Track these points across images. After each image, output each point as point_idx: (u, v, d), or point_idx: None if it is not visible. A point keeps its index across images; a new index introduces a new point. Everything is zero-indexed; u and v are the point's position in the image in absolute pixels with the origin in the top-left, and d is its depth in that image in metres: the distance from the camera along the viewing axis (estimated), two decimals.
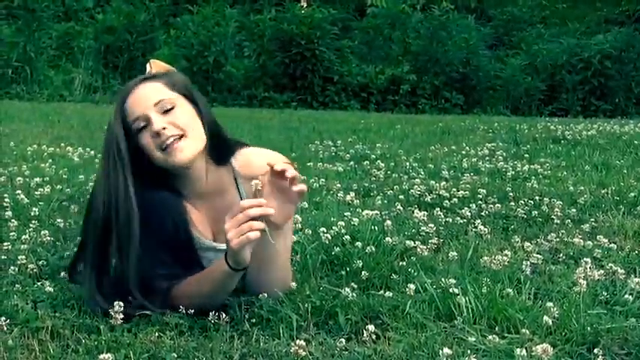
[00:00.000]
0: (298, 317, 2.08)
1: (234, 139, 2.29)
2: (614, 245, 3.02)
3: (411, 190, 4.14)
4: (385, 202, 3.89)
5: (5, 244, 2.72)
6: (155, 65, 3.39)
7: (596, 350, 1.86)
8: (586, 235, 3.24)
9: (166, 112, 2.08)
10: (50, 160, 5.08)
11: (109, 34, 14.21)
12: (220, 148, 2.19)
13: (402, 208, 3.64)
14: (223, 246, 2.06)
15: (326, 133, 7.77)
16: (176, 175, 2.16)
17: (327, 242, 2.79)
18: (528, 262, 2.68)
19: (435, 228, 3.21)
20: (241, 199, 2.19)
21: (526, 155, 6.13)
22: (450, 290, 2.20)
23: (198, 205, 2.20)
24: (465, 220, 3.46)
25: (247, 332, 2.03)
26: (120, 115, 2.09)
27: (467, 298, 2.14)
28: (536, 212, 3.63)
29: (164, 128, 2.04)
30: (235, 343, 1.94)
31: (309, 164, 5.25)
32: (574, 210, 3.70)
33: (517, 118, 12.35)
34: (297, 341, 1.87)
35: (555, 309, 2.08)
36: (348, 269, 2.56)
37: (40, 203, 3.49)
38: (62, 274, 2.42)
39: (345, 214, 3.30)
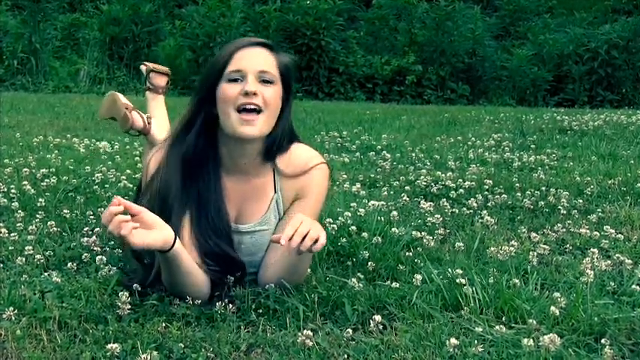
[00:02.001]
0: (305, 308, 2.09)
1: (292, 137, 2.29)
2: (621, 236, 3.02)
3: (417, 181, 4.13)
4: (391, 192, 3.89)
5: (12, 234, 2.73)
6: (149, 63, 3.45)
7: (603, 340, 1.86)
8: (593, 225, 3.23)
9: (263, 83, 2.11)
10: (56, 151, 5.08)
11: (114, 25, 14.18)
12: (275, 147, 2.21)
13: (408, 199, 3.64)
14: (244, 227, 2.20)
15: (332, 123, 7.76)
16: (229, 142, 2.16)
17: (334, 233, 2.79)
18: (535, 253, 2.68)
19: (441, 219, 3.21)
20: (275, 191, 2.24)
21: (532, 146, 6.11)
22: (457, 281, 2.20)
23: (228, 182, 2.21)
24: (471, 211, 3.46)
25: (254, 322, 2.03)
26: (226, 59, 2.12)
27: (473, 289, 2.14)
28: (542, 203, 3.63)
29: (255, 94, 2.07)
30: (242, 334, 1.95)
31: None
32: (581, 200, 3.70)
33: (523, 108, 12.31)
34: (304, 331, 1.88)
35: (562, 299, 2.08)
36: (354, 260, 2.57)
37: (47, 194, 3.50)
38: (69, 264, 2.43)
39: (352, 204, 3.31)
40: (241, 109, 2.08)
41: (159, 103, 3.35)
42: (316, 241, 1.95)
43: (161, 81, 3.36)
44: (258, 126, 2.10)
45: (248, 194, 2.22)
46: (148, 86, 3.37)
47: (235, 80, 2.10)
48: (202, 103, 2.14)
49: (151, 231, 1.93)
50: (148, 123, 3.17)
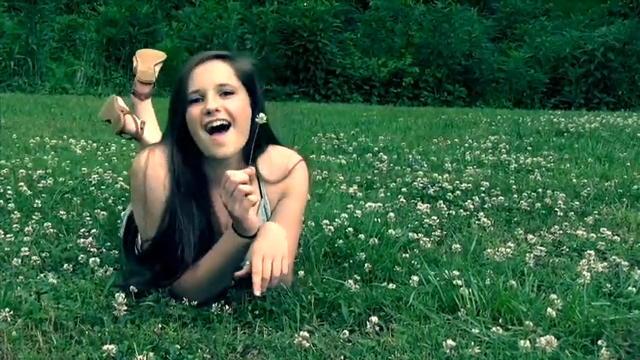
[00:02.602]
0: (302, 309, 2.09)
1: (269, 137, 2.31)
2: (617, 238, 3.02)
3: (414, 183, 4.13)
4: (388, 194, 3.89)
5: (8, 235, 2.72)
6: (142, 55, 3.40)
7: (599, 342, 1.86)
8: (589, 227, 3.23)
9: (224, 95, 2.11)
10: (53, 153, 5.08)
11: (111, 26, 14.17)
12: (252, 151, 2.20)
13: (405, 201, 3.64)
14: None
15: (329, 125, 7.76)
16: (209, 159, 2.18)
17: (330, 234, 2.79)
18: (531, 255, 2.68)
19: (438, 220, 3.21)
20: (261, 196, 2.24)
21: (529, 148, 6.12)
22: (454, 282, 2.20)
23: (217, 193, 2.21)
24: (468, 213, 3.45)
25: (251, 324, 2.03)
26: (184, 81, 2.12)
27: (470, 290, 2.14)
28: (539, 205, 3.63)
29: (217, 110, 2.08)
30: (239, 335, 1.95)
31: (312, 157, 5.24)
32: (577, 202, 3.70)
33: (520, 110, 12.33)
34: (301, 333, 1.88)
35: (559, 301, 2.08)
36: (351, 261, 2.56)
37: (43, 195, 3.49)
38: (65, 265, 2.43)
39: (348, 206, 3.30)
40: (208, 128, 2.09)
41: (145, 107, 3.34)
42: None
43: (143, 89, 3.35)
44: (231, 144, 2.11)
45: None
46: (133, 90, 3.37)
47: (197, 100, 2.10)
48: (178, 132, 2.14)
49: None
50: (141, 128, 3.17)
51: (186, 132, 2.13)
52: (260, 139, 2.19)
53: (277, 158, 2.27)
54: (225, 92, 2.11)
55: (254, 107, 2.18)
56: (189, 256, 2.11)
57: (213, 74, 2.12)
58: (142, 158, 2.19)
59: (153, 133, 3.17)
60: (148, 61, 3.35)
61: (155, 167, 2.16)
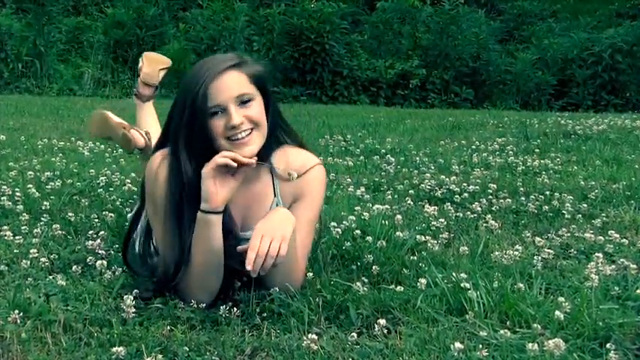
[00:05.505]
0: (309, 311, 2.09)
1: (286, 136, 2.32)
2: (625, 240, 3.01)
3: (422, 185, 4.13)
4: (395, 196, 3.89)
5: (17, 237, 2.73)
6: (149, 57, 3.40)
7: (608, 345, 1.86)
8: (597, 230, 3.23)
9: (243, 105, 2.12)
10: (61, 155, 5.09)
11: (119, 28, 14.20)
12: (269, 144, 2.23)
13: (412, 203, 3.64)
14: (248, 234, 2.12)
15: (336, 127, 7.76)
16: None
17: (338, 237, 2.80)
18: (539, 257, 2.68)
19: (445, 223, 3.21)
20: (274, 195, 2.26)
21: (536, 150, 6.10)
22: (461, 285, 2.20)
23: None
24: (475, 215, 3.45)
25: (259, 326, 2.04)
26: (203, 97, 2.08)
27: (478, 293, 2.14)
28: (546, 207, 3.62)
29: (241, 123, 2.09)
30: (247, 337, 1.95)
31: (319, 158, 5.23)
32: (585, 205, 3.69)
33: (527, 112, 12.29)
34: (309, 335, 1.88)
35: (567, 304, 2.08)
36: (358, 264, 2.57)
37: (51, 197, 3.50)
38: (74, 267, 2.43)
39: (356, 208, 3.31)
40: (233, 139, 2.10)
41: (148, 110, 3.34)
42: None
43: (145, 90, 3.35)
44: (254, 144, 2.13)
45: (250, 200, 2.25)
46: (135, 92, 3.37)
47: (217, 113, 2.09)
48: (199, 145, 2.12)
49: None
50: (149, 139, 3.14)
51: (205, 143, 2.11)
52: (275, 131, 2.23)
53: (294, 157, 2.28)
54: (243, 101, 2.11)
55: (267, 106, 2.19)
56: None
57: (230, 87, 2.10)
58: (156, 159, 2.20)
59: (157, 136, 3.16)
60: (154, 64, 3.35)
61: (165, 167, 2.16)
